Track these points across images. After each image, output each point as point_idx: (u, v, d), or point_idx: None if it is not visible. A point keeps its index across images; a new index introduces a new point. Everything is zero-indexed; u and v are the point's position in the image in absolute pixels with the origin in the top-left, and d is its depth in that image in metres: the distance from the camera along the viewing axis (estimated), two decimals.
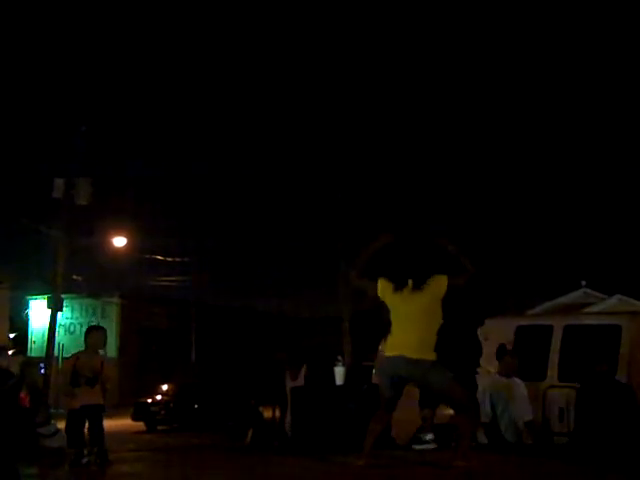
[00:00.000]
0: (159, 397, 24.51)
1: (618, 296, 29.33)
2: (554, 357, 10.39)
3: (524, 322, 10.77)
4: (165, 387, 25.44)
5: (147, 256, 34.07)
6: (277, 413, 12.56)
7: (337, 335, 30.68)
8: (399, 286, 6.83)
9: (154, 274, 36.69)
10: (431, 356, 6.69)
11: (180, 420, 23.16)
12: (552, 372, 10.33)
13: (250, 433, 11.19)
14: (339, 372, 8.90)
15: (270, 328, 40.49)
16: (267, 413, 14.65)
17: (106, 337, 9.06)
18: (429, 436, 8.40)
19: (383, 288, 6.93)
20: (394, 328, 6.88)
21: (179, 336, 38.36)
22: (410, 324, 6.73)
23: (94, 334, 8.88)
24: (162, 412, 23.57)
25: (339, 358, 9.09)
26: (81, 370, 8.42)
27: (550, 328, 10.70)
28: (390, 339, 6.94)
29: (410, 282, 6.81)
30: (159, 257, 34.34)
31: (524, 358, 10.61)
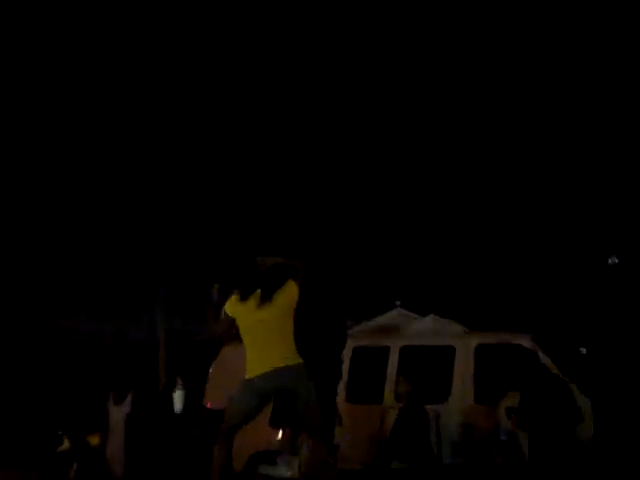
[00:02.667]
0: None
1: (432, 316, 30.13)
2: (391, 379, 10.34)
3: (361, 343, 10.63)
4: None
5: None
6: (97, 441, 11.72)
7: (153, 359, 29.69)
8: (245, 295, 6.23)
9: None
10: (299, 359, 6.16)
11: None
12: (389, 394, 10.28)
13: (75, 467, 10.36)
14: (179, 396, 8.25)
15: (80, 351, 38.83)
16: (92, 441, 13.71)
17: None
18: (286, 458, 7.89)
19: (231, 304, 6.32)
20: (250, 349, 6.19)
21: None
22: (266, 341, 6.12)
23: None
24: None
25: (179, 381, 8.41)
26: None
27: (387, 349, 10.67)
28: (250, 362, 6.17)
29: (258, 291, 6.22)
30: None
31: (361, 380, 10.53)
